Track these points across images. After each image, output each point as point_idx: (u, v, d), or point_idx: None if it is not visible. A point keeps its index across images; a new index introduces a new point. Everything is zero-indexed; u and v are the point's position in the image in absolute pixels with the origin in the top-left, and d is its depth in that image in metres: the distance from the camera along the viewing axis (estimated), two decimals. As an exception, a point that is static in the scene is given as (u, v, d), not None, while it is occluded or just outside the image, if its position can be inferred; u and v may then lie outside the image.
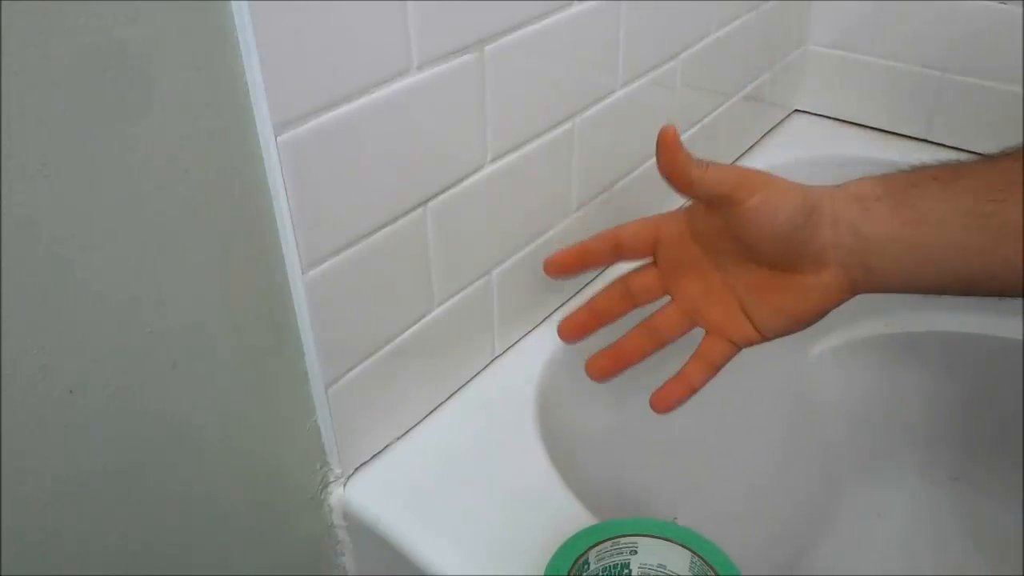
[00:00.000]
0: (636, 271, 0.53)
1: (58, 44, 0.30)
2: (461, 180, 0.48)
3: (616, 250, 0.52)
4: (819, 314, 0.48)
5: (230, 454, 0.44)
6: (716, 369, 0.50)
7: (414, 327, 0.49)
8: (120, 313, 0.36)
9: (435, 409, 0.54)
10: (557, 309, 0.61)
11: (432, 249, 0.48)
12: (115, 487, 0.39)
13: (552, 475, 0.49)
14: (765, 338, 0.49)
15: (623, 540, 0.42)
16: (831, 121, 0.85)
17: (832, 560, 0.80)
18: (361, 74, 0.39)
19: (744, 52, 0.72)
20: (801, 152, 0.80)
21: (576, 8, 0.50)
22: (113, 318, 0.35)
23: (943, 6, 0.74)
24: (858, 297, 0.48)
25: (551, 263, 0.54)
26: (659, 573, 0.42)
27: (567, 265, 0.54)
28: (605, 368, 0.53)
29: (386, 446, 0.51)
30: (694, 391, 0.50)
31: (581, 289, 0.62)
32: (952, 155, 0.67)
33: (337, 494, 0.49)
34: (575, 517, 0.46)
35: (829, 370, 0.83)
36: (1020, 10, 0.71)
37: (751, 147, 0.81)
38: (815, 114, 0.86)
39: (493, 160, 0.49)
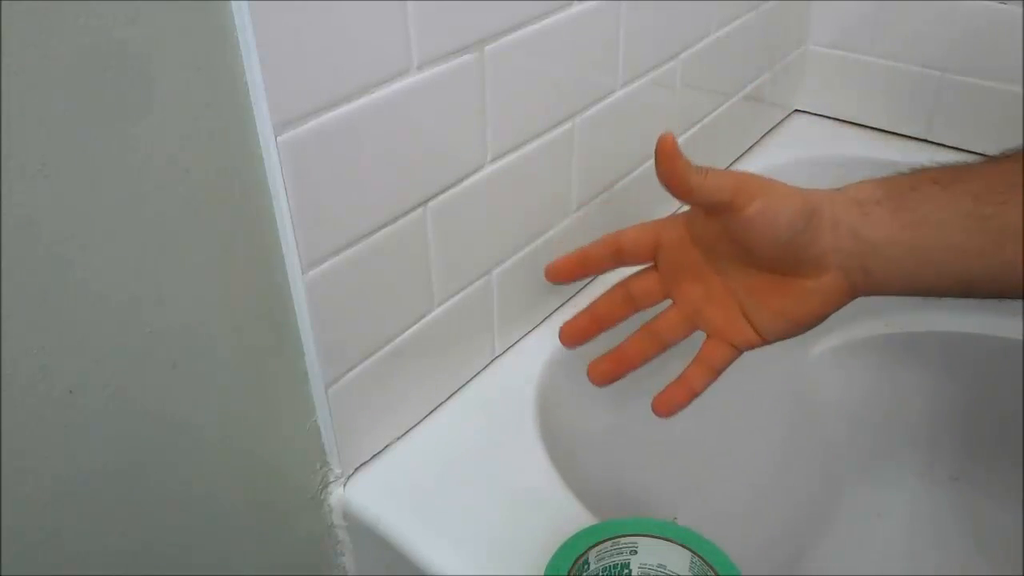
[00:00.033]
0: (637, 275, 0.53)
1: (58, 44, 0.30)
2: (461, 180, 0.48)
3: (617, 255, 0.52)
4: (820, 317, 0.48)
5: (230, 454, 0.44)
6: (717, 373, 0.50)
7: (414, 327, 0.49)
8: (120, 313, 0.36)
9: (435, 409, 0.54)
10: (557, 309, 0.61)
11: (432, 249, 0.48)
12: (115, 487, 0.39)
13: (552, 475, 0.49)
14: (766, 341, 0.49)
15: (623, 540, 0.42)
16: (831, 121, 0.85)
17: (832, 560, 0.80)
18: (361, 74, 0.39)
19: (744, 52, 0.72)
20: (801, 152, 0.80)
21: (576, 8, 0.50)
22: (113, 318, 0.35)
23: (943, 6, 0.74)
24: (858, 298, 0.48)
25: (551, 270, 0.55)
26: (659, 573, 0.42)
27: (567, 272, 0.54)
28: (607, 372, 0.53)
29: (386, 446, 0.51)
30: (695, 395, 0.50)
31: (581, 289, 0.62)
32: (952, 155, 0.67)
33: (337, 494, 0.49)
34: (575, 517, 0.46)
35: (829, 370, 0.83)
36: (1020, 10, 0.71)
37: (751, 147, 0.81)
38: (815, 114, 0.86)
39: (493, 160, 0.49)
